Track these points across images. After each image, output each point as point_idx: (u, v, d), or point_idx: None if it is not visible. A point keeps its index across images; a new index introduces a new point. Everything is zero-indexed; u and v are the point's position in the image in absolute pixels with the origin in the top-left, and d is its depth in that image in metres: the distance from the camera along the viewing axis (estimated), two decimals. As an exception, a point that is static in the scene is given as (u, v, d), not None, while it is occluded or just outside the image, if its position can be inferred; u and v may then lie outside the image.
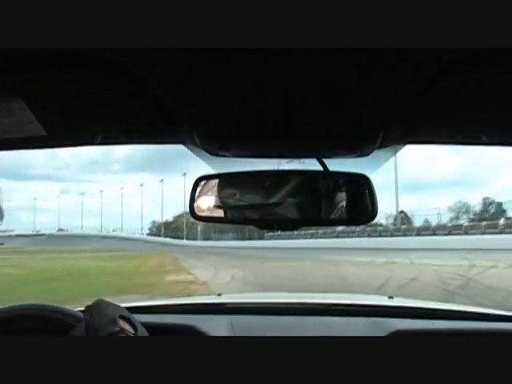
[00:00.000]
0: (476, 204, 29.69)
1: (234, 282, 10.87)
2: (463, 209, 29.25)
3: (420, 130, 0.82)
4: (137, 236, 43.56)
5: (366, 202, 0.89)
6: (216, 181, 0.95)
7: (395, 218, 28.10)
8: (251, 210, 0.93)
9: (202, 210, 0.94)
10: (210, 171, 0.98)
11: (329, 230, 26.29)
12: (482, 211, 28.47)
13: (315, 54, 0.54)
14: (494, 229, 20.18)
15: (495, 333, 1.26)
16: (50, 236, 49.11)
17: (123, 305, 1.01)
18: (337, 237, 25.72)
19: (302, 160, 0.91)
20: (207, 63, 0.57)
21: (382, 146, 0.81)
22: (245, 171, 0.92)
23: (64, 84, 0.67)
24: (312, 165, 0.90)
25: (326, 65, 0.57)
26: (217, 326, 1.32)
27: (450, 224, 24.77)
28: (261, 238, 30.33)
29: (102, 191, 59.22)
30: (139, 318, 0.99)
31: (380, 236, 24.81)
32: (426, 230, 23.95)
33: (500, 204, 26.61)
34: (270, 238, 29.11)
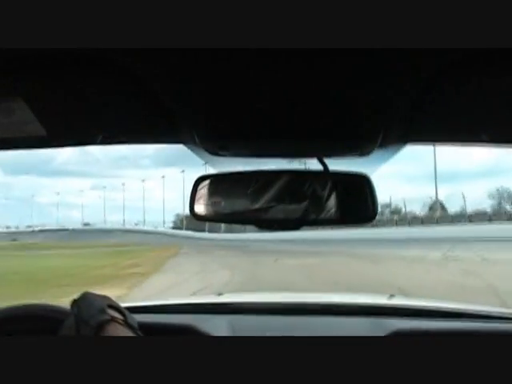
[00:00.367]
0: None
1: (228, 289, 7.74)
2: (504, 195, 25.97)
3: (420, 129, 0.82)
4: (159, 229, 42.32)
5: (367, 201, 0.90)
6: (216, 180, 0.95)
7: (430, 208, 25.99)
8: (252, 209, 0.93)
9: (203, 210, 0.94)
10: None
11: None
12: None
13: (315, 53, 0.54)
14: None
15: (496, 333, 1.26)
16: (73, 231, 48.51)
17: (123, 305, 1.01)
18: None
19: (302, 160, 0.91)
20: (207, 63, 0.57)
21: (382, 145, 0.81)
22: (246, 171, 0.92)
23: (64, 84, 0.67)
24: (312, 165, 0.90)
25: (326, 65, 0.57)
26: (217, 326, 1.32)
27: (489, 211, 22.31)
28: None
29: (123, 184, 60.25)
30: (138, 317, 0.98)
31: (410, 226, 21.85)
32: (464, 217, 21.31)
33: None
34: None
